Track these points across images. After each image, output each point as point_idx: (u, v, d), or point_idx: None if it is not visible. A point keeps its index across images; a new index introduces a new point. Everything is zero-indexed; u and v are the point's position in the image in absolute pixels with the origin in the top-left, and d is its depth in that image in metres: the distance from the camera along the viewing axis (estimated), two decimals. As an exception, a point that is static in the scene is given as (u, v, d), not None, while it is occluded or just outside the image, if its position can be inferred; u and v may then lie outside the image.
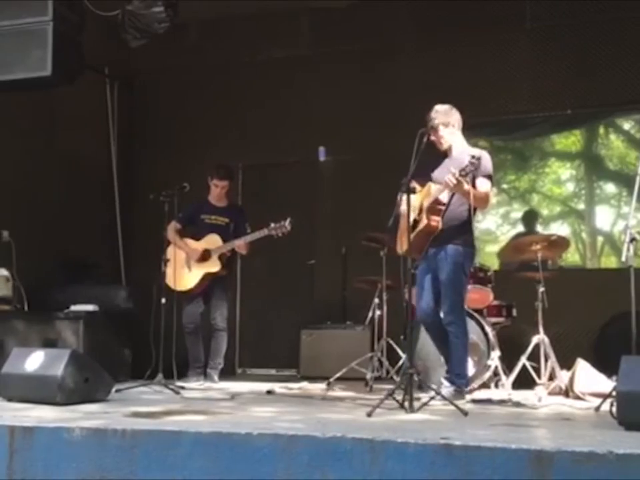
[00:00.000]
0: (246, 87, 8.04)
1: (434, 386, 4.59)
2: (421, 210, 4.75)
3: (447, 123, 4.87)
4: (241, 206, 6.99)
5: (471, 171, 4.43)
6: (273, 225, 5.89)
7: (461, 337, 4.80)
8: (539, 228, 7.74)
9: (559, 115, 7.48)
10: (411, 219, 4.67)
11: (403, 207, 4.61)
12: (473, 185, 4.65)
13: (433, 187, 4.72)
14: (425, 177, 4.84)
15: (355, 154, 7.62)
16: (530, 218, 7.75)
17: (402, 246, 4.80)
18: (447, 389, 4.70)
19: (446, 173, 4.57)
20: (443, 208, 4.68)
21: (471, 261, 4.94)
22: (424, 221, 4.68)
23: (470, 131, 5.69)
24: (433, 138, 4.78)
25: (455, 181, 4.43)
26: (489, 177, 4.76)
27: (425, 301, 4.90)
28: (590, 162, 8.02)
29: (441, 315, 4.85)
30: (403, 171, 4.38)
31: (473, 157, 4.44)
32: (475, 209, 4.82)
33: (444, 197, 4.65)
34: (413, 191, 4.47)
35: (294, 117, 7.88)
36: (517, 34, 7.41)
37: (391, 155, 6.63)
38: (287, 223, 5.85)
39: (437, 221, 4.67)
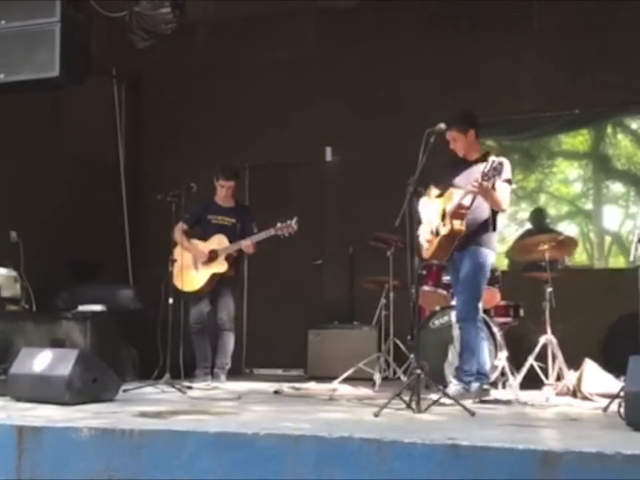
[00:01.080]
0: (252, 87, 8.05)
1: (441, 386, 4.60)
2: (444, 215, 4.82)
3: (464, 131, 4.94)
4: (248, 206, 6.99)
5: (494, 175, 4.50)
6: (279, 224, 5.89)
7: (473, 334, 4.84)
8: (547, 225, 7.71)
9: (566, 115, 7.46)
10: (434, 225, 4.83)
11: (420, 211, 4.86)
12: (493, 189, 4.74)
13: (454, 192, 4.78)
14: (443, 181, 4.98)
15: (361, 154, 7.62)
16: (537, 216, 7.72)
17: (426, 251, 4.94)
18: (454, 386, 4.72)
19: (468, 179, 4.71)
20: (467, 212, 4.75)
21: (492, 262, 4.99)
22: (448, 226, 4.77)
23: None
24: (452, 147, 4.95)
25: (478, 186, 4.53)
26: (509, 181, 4.87)
27: None
28: (598, 161, 7.99)
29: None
30: (409, 170, 4.40)
31: (494, 161, 4.53)
32: (496, 212, 4.89)
33: (467, 201, 4.73)
34: (421, 191, 4.55)
35: (300, 116, 7.88)
36: (525, 33, 7.39)
37: (397, 154, 6.64)
38: (294, 222, 5.85)
39: (460, 224, 4.75)
